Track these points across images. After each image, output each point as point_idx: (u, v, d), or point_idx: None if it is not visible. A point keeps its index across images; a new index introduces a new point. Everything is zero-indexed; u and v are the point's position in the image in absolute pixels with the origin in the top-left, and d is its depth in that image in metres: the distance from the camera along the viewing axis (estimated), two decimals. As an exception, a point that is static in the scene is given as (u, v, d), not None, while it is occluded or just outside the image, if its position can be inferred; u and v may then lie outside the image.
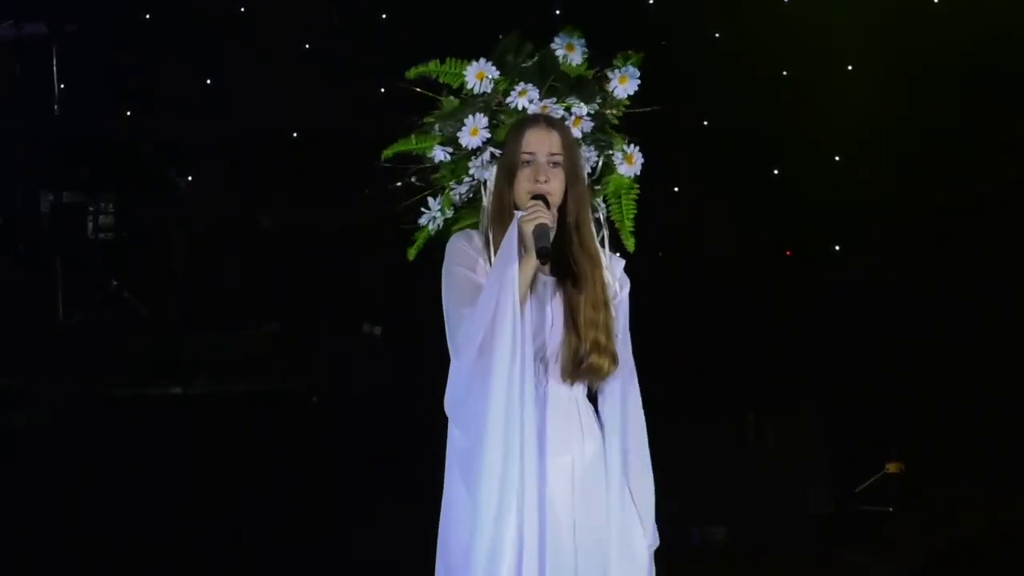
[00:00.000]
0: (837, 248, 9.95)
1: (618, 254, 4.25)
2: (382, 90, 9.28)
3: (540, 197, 4.05)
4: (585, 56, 4.22)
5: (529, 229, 3.98)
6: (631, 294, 4.21)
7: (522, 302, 3.97)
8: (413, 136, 4.23)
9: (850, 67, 9.96)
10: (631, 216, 4.26)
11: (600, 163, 4.25)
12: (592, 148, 4.23)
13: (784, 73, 9.98)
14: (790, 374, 8.64)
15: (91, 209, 10.16)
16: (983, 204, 9.68)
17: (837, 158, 9.96)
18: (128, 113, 10.20)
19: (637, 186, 4.26)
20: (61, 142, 9.90)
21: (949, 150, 9.72)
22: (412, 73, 4.23)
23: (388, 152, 4.25)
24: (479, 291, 4.00)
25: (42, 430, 7.92)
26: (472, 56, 4.22)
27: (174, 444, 7.59)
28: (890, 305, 9.40)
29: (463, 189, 4.23)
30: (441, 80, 4.23)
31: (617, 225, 4.27)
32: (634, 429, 4.16)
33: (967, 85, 9.69)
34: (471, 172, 4.19)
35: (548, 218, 4.01)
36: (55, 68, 9.78)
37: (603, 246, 4.17)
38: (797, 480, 7.80)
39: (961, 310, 9.35)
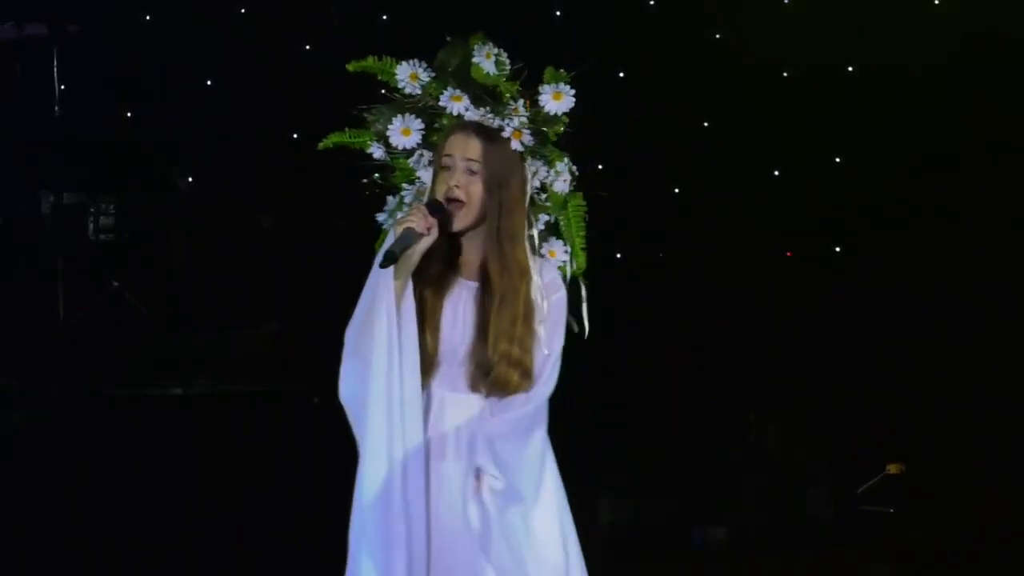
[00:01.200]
0: (837, 248, 9.95)
1: (569, 261, 4.10)
2: (382, 91, 9.27)
3: (436, 203, 3.93)
4: (503, 70, 4.05)
5: (398, 231, 3.88)
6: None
7: (398, 304, 3.89)
8: (348, 129, 4.15)
9: (850, 68, 9.96)
10: (581, 234, 4.08)
11: (549, 177, 4.08)
12: (541, 162, 4.05)
13: (784, 73, 9.98)
14: (790, 374, 8.63)
15: (92, 210, 10.16)
16: (983, 204, 9.68)
17: (837, 159, 9.96)
18: (128, 113, 10.19)
19: (584, 204, 4.10)
20: (61, 142, 9.91)
21: (948, 149, 9.72)
22: (352, 67, 4.14)
23: (324, 143, 4.17)
24: None
25: (42, 430, 7.93)
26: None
27: (174, 444, 7.59)
28: (890, 305, 9.39)
29: (413, 191, 4.12)
30: (380, 78, 4.13)
31: (567, 242, 4.12)
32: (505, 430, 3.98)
33: (967, 85, 9.69)
34: (418, 174, 4.09)
35: (420, 224, 3.86)
36: (55, 68, 9.78)
37: (534, 253, 4.04)
38: (797, 480, 7.80)
39: (961, 310, 9.34)
